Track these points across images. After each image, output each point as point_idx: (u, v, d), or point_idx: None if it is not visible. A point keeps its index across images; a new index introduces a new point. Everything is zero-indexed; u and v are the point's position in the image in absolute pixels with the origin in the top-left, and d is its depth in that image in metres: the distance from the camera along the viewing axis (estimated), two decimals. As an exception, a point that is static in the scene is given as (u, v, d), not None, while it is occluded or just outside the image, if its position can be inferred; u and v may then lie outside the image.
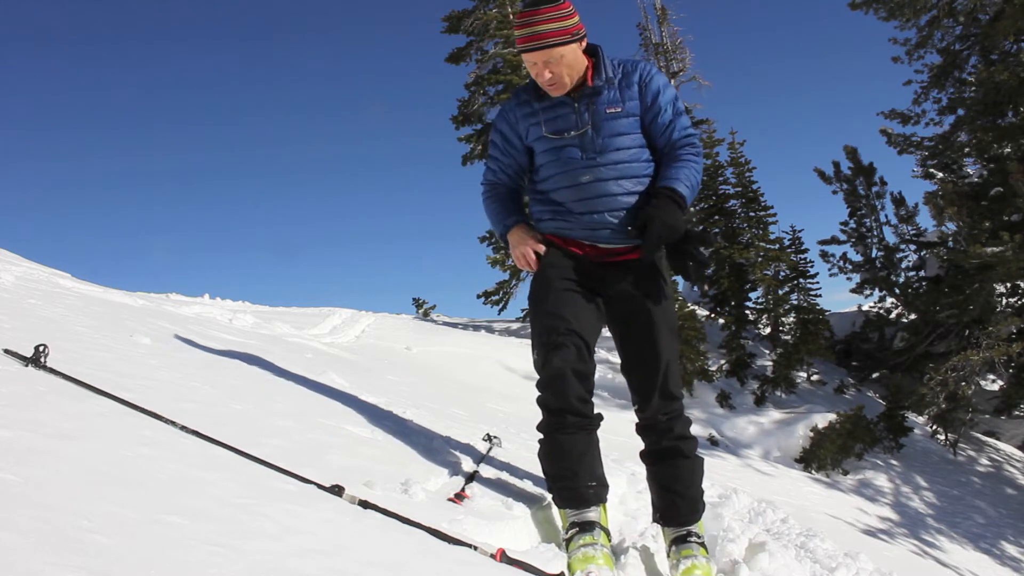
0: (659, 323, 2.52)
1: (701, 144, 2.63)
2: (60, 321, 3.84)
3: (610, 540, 2.45)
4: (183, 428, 2.15)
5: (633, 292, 2.53)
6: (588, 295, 2.54)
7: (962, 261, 11.44)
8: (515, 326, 15.64)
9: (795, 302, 13.69)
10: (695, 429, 2.69)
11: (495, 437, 3.78)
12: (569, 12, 2.40)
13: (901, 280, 14.59)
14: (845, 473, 10.28)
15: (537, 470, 2.90)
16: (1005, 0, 11.52)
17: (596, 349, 2.54)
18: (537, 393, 2.52)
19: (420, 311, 17.66)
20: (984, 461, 11.97)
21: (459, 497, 2.46)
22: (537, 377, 2.51)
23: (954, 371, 10.58)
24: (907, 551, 7.30)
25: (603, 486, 2.49)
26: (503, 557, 1.95)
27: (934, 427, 12.04)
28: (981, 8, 12.53)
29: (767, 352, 13.76)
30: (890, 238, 14.72)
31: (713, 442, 10.41)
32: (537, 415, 2.58)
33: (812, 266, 14.01)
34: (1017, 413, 13.21)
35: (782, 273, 13.72)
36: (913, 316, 14.22)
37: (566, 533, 2.42)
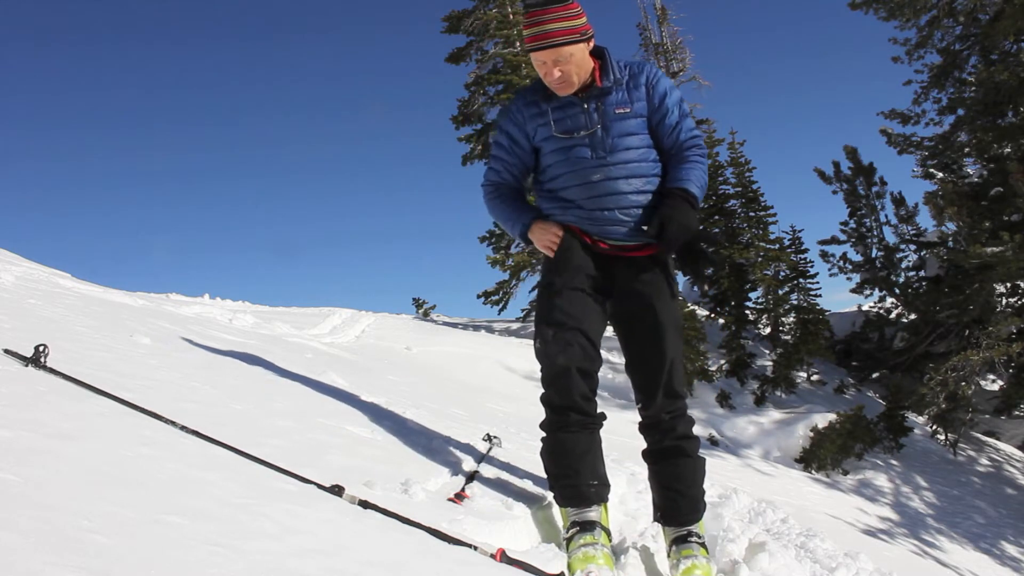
0: (665, 321, 2.52)
1: (706, 146, 2.67)
2: (60, 321, 3.84)
3: (610, 540, 2.45)
4: (183, 428, 2.15)
5: (640, 290, 2.54)
6: (595, 293, 2.54)
7: (962, 261, 11.44)
8: (515, 326, 15.64)
9: (795, 302, 13.70)
10: (695, 429, 2.69)
11: (495, 437, 3.78)
12: (577, 12, 2.42)
13: (901, 280, 14.59)
14: (845, 473, 10.28)
15: (537, 470, 2.90)
16: (1005, 0, 11.52)
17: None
18: (540, 391, 2.52)
19: (420, 311, 17.67)
20: (984, 461, 11.97)
21: (459, 497, 2.46)
22: (539, 375, 2.52)
23: (954, 371, 10.58)
24: (907, 551, 7.30)
25: (605, 485, 2.49)
26: (503, 557, 1.95)
27: (934, 427, 12.04)
28: (981, 8, 12.53)
29: (767, 352, 13.76)
30: (890, 238, 14.73)
31: (713, 442, 10.42)
32: (537, 415, 2.58)
33: (812, 266, 14.02)
34: (1017, 413, 13.21)
35: (782, 273, 13.72)
36: (913, 316, 14.22)
37: (567, 532, 2.42)
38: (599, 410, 2.52)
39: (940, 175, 13.45)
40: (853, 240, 14.76)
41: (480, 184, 2.79)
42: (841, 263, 14.73)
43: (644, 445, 2.67)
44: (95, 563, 1.21)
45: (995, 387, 13.98)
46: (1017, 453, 12.99)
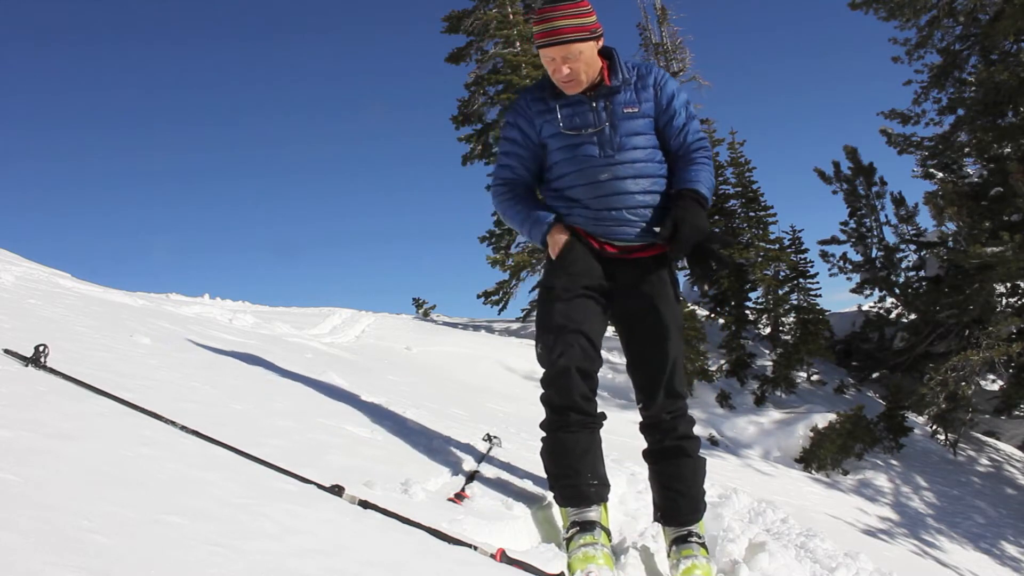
0: (667, 322, 2.53)
1: (711, 149, 2.67)
2: (60, 321, 3.84)
3: (610, 540, 2.45)
4: (183, 428, 2.15)
5: (642, 290, 2.54)
6: (596, 293, 2.54)
7: (962, 261, 11.44)
8: (515, 326, 15.64)
9: (795, 302, 13.70)
10: (695, 429, 2.69)
11: (495, 437, 3.78)
12: (588, 10, 2.43)
13: (901, 280, 14.58)
14: (845, 473, 10.28)
15: (537, 470, 2.90)
16: (1005, 0, 11.52)
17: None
18: (540, 391, 2.52)
19: (420, 311, 17.67)
20: (984, 461, 11.97)
21: (459, 497, 2.46)
22: (539, 375, 2.52)
23: (954, 371, 10.57)
24: (907, 551, 7.30)
25: (604, 485, 2.49)
26: (503, 557, 1.95)
27: (934, 427, 12.04)
28: (981, 8, 12.53)
29: (767, 352, 13.76)
30: (890, 238, 14.72)
31: (713, 442, 10.42)
32: (537, 414, 2.58)
33: (812, 266, 14.02)
34: (1017, 413, 13.21)
35: (782, 273, 13.73)
36: (913, 316, 14.21)
37: (567, 532, 2.42)
38: (599, 410, 2.53)
39: (940, 175, 13.45)
40: (853, 240, 14.76)
41: (491, 184, 2.76)
42: (841, 263, 14.73)
43: (644, 445, 2.68)
44: (95, 563, 1.21)
45: (995, 387, 13.98)
46: (1017, 453, 12.98)
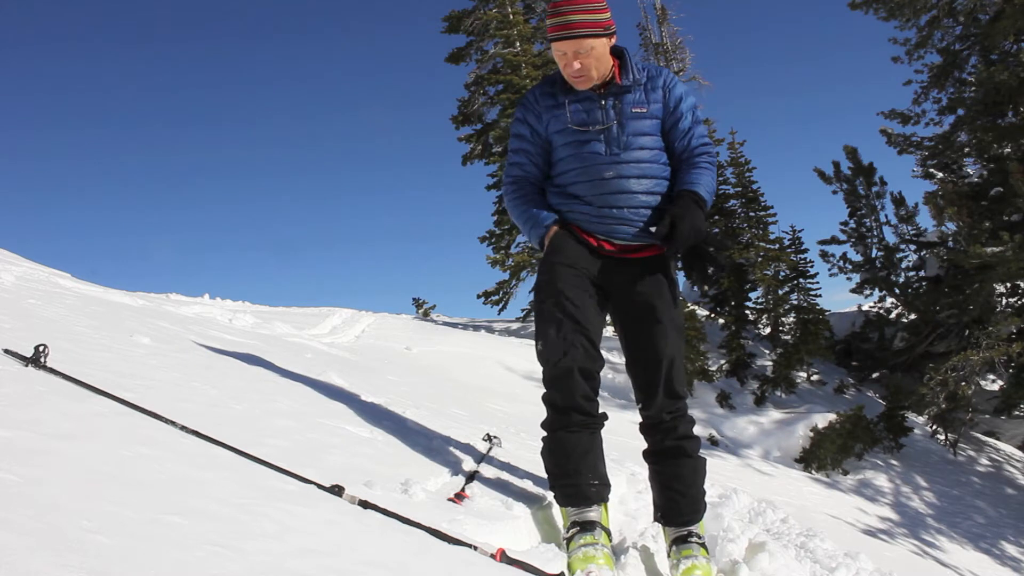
0: (666, 322, 2.53)
1: (715, 154, 2.68)
2: (60, 321, 3.84)
3: (611, 540, 2.45)
4: (183, 428, 2.15)
5: (641, 290, 2.54)
6: (594, 292, 2.54)
7: (962, 261, 11.44)
8: (515, 326, 15.64)
9: (795, 302, 13.71)
10: (695, 429, 2.69)
11: (495, 437, 3.78)
12: (602, 7, 2.44)
13: (901, 280, 14.59)
14: (845, 473, 10.29)
15: (537, 470, 2.90)
16: (1005, 0, 11.52)
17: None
18: (541, 391, 2.52)
19: (420, 311, 17.69)
20: (984, 461, 11.97)
21: (459, 497, 2.46)
22: (539, 375, 2.52)
23: (954, 371, 10.58)
24: (907, 551, 7.30)
25: (605, 485, 2.49)
26: (503, 557, 1.95)
27: (934, 427, 12.04)
28: (981, 8, 12.53)
29: (767, 352, 13.77)
30: (890, 238, 14.73)
31: (713, 442, 10.42)
32: (538, 414, 2.57)
33: (812, 266, 14.05)
34: (1017, 413, 13.20)
35: (782, 273, 13.74)
36: (913, 316, 14.22)
37: (567, 532, 2.42)
38: (601, 410, 2.52)
39: (940, 175, 13.46)
40: (853, 240, 14.76)
41: (503, 181, 2.75)
42: (841, 263, 14.74)
43: (644, 445, 2.67)
44: (95, 563, 1.21)
45: (995, 387, 13.98)
46: (1017, 453, 12.99)
